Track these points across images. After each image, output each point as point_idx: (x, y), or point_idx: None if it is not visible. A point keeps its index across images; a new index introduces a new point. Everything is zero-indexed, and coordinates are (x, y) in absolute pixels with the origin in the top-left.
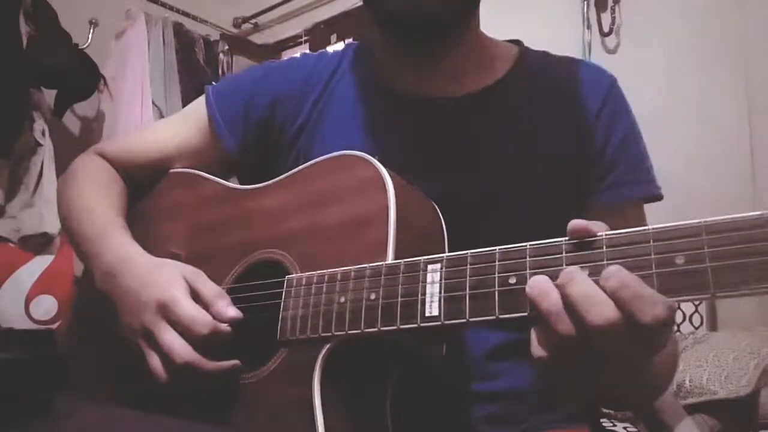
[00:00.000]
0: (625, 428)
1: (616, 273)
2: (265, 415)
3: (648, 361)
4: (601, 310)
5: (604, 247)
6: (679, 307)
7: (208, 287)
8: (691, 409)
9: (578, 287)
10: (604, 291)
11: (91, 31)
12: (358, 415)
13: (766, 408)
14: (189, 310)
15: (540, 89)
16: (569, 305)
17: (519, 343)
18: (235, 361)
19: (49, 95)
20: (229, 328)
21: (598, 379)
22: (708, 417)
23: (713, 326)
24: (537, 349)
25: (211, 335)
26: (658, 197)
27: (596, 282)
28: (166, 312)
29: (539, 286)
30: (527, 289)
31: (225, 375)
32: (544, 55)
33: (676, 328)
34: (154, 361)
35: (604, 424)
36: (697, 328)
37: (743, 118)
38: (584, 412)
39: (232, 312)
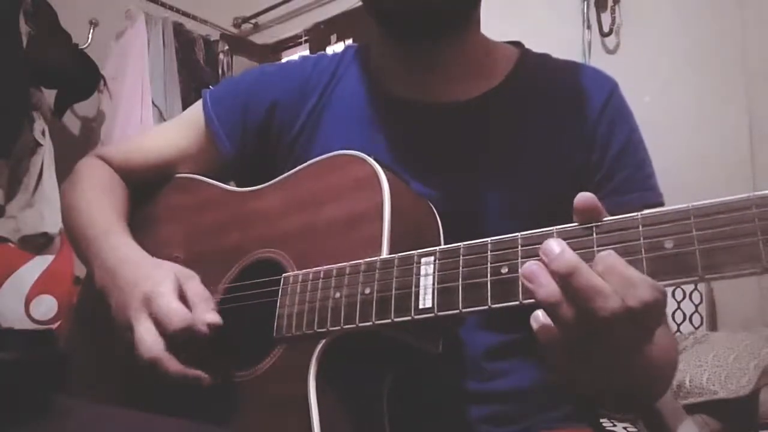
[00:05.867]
0: (625, 428)
1: (603, 258)
2: (262, 412)
3: (642, 347)
4: (606, 301)
5: (594, 233)
6: (678, 307)
7: (195, 290)
8: (691, 409)
9: (582, 278)
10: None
11: (91, 31)
12: (354, 412)
13: (766, 408)
14: (169, 303)
15: (540, 93)
16: (572, 294)
17: (515, 344)
18: (200, 372)
19: (49, 95)
20: (205, 329)
21: (596, 364)
22: (708, 417)
23: (713, 326)
24: (541, 335)
25: (185, 331)
26: (658, 205)
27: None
28: (149, 305)
29: (533, 275)
30: (522, 276)
31: (190, 381)
32: (545, 58)
33: (676, 327)
34: (135, 353)
35: (604, 424)
36: (697, 328)
37: (743, 117)
38: (584, 411)
39: (211, 317)
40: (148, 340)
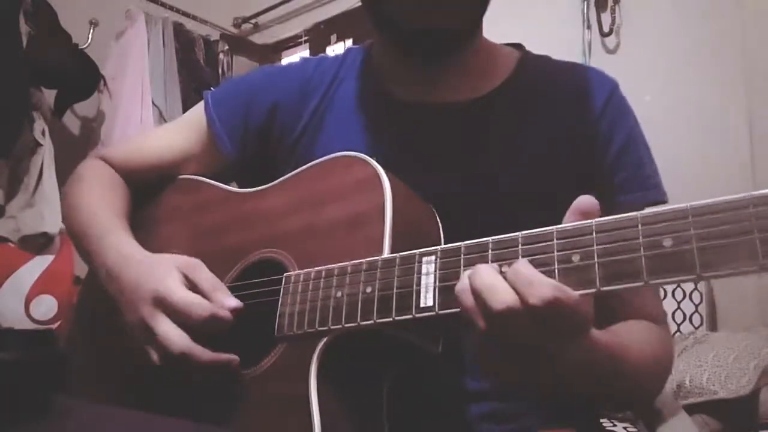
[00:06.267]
0: (625, 428)
1: (513, 264)
2: (263, 411)
3: (563, 349)
4: (503, 297)
5: (594, 232)
6: (678, 307)
7: (205, 279)
8: (691, 409)
9: (481, 278)
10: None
11: (91, 31)
12: (354, 410)
13: (766, 408)
14: (184, 296)
15: (541, 95)
16: (476, 296)
17: None
18: (233, 356)
19: (49, 95)
20: (229, 314)
21: (518, 365)
22: (708, 417)
23: (713, 326)
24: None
25: (210, 320)
26: (661, 203)
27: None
28: (162, 304)
29: (461, 283)
30: (456, 287)
31: (222, 368)
32: (546, 59)
33: (676, 328)
34: (154, 355)
35: (603, 425)
36: (697, 328)
37: (743, 117)
38: (583, 410)
39: (232, 302)
40: (174, 336)
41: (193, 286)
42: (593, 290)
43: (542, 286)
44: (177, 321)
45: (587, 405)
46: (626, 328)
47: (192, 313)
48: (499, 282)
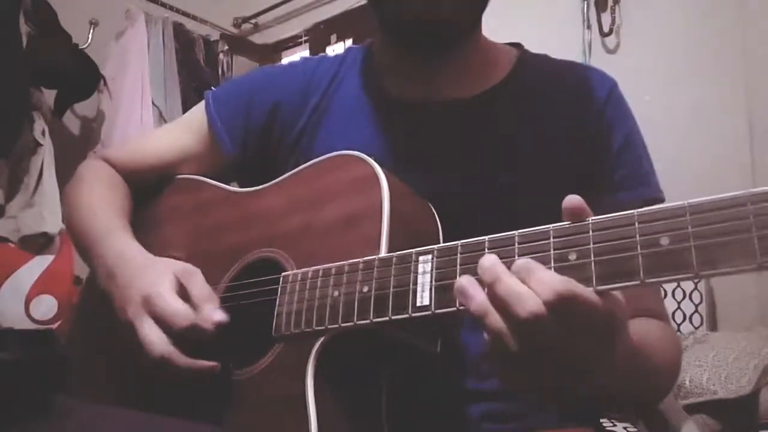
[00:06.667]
0: (625, 428)
1: (520, 264)
2: (260, 410)
3: (568, 347)
4: (527, 304)
5: (591, 231)
6: (678, 307)
7: (198, 288)
8: (691, 409)
9: (504, 286)
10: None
11: (91, 31)
12: (351, 410)
13: (766, 408)
14: (170, 303)
15: (540, 93)
16: (498, 302)
17: None
18: (213, 363)
19: (49, 95)
20: (212, 327)
21: (529, 367)
22: (708, 417)
23: (713, 326)
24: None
25: (190, 329)
26: (657, 200)
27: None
28: (149, 306)
29: (463, 288)
30: (455, 290)
31: (200, 374)
32: (544, 58)
33: (676, 327)
34: (139, 355)
35: (603, 425)
36: (697, 328)
37: (743, 117)
38: (583, 410)
39: (218, 316)
40: (155, 339)
41: (185, 293)
42: (590, 289)
43: (553, 284)
44: (161, 325)
45: (591, 405)
46: (641, 325)
47: (174, 322)
48: (523, 288)
